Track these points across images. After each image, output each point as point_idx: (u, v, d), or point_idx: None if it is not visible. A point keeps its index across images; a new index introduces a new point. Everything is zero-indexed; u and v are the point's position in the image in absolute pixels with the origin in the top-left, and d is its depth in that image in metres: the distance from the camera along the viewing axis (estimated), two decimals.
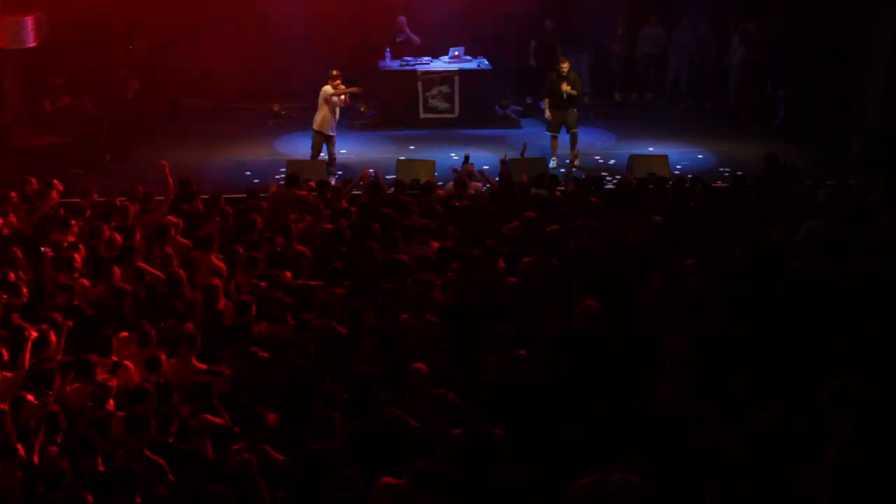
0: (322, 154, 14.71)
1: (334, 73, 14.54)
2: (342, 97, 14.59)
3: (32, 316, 8.61)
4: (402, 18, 18.01)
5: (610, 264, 9.88)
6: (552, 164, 14.86)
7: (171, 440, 7.11)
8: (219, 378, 7.78)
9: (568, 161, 14.97)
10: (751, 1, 18.26)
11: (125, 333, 8.45)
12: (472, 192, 12.03)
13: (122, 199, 11.23)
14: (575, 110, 15.28)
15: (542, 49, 18.43)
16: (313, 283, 9.37)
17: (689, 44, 18.78)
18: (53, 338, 8.05)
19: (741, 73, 18.13)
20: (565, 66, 15.23)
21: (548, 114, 15.35)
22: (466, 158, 13.48)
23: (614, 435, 6.90)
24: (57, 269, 9.45)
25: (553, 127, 15.32)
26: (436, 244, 10.13)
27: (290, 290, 9.10)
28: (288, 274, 9.47)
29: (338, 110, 14.65)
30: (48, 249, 9.81)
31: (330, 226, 10.75)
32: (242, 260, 9.69)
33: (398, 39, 17.96)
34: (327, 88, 14.46)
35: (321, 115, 14.51)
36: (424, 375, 7.51)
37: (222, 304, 9.00)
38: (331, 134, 14.58)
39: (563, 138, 15.34)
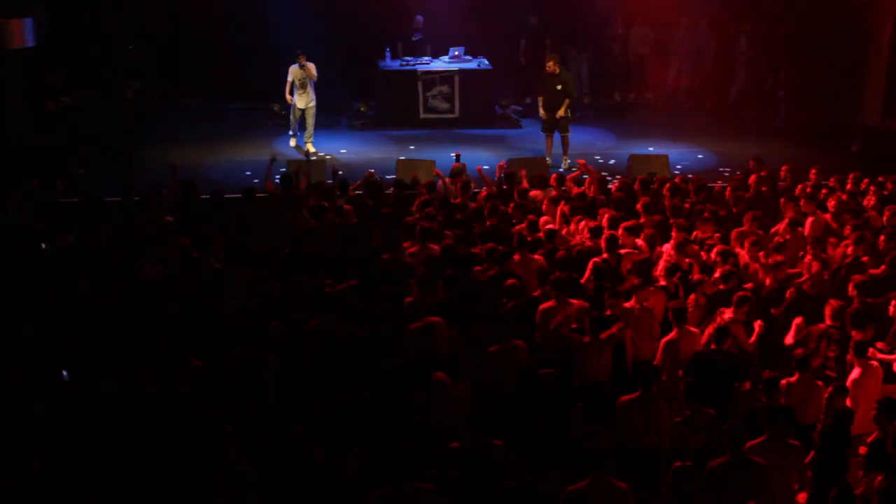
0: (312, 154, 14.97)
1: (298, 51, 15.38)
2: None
3: None
4: (420, 18, 17.97)
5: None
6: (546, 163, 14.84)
7: None
8: None
9: (568, 163, 14.92)
10: (751, 1, 18.27)
11: None
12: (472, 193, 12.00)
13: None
14: (568, 113, 15.11)
15: (530, 46, 18.41)
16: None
17: (689, 43, 18.80)
18: None
19: (745, 73, 18.15)
20: (550, 65, 15.03)
21: (542, 112, 15.31)
22: (457, 157, 13.52)
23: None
24: None
25: (546, 127, 15.27)
26: (436, 246, 10.08)
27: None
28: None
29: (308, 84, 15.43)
30: None
31: (331, 226, 10.73)
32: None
33: (414, 38, 17.91)
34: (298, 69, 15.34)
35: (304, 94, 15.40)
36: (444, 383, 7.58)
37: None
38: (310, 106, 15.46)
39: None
